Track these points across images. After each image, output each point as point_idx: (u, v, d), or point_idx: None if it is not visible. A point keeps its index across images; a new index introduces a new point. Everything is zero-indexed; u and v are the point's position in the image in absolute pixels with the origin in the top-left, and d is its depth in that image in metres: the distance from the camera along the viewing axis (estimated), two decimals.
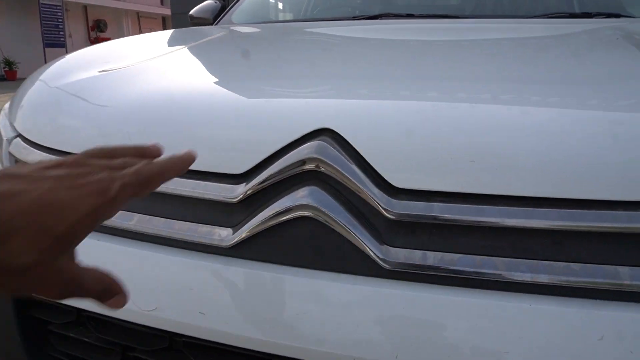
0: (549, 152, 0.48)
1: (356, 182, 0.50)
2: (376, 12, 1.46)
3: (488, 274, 0.46)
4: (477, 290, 0.46)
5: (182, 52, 0.98)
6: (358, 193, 0.51)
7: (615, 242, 0.46)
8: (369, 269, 0.49)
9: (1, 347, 0.64)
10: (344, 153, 0.52)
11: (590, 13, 1.35)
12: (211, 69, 0.82)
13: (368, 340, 0.47)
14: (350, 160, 0.51)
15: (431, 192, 0.50)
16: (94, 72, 0.82)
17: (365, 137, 0.53)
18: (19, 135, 0.74)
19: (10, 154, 0.72)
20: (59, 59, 1.01)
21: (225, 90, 0.69)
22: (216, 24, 1.83)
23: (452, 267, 0.47)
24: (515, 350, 0.44)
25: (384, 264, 0.49)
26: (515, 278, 0.46)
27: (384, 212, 0.50)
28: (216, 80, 0.74)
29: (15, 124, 0.77)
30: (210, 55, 0.98)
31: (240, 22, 1.72)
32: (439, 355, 0.45)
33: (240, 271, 0.53)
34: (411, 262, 0.48)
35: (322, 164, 0.52)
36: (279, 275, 0.51)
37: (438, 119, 0.54)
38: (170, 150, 0.58)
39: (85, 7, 20.11)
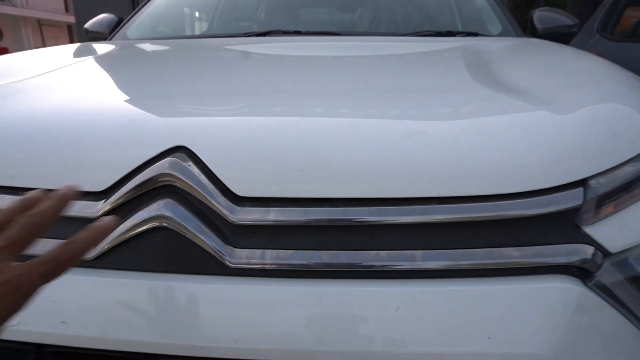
0: (368, 159, 0.58)
1: (204, 194, 0.57)
2: (265, 30, 1.55)
3: (314, 264, 0.55)
4: (306, 279, 0.55)
5: (59, 72, 0.99)
6: (207, 203, 0.58)
7: (410, 232, 0.57)
8: (217, 269, 0.56)
9: None
10: (195, 168, 0.58)
11: (453, 32, 1.54)
12: (81, 90, 0.85)
13: (214, 330, 0.54)
14: (200, 174, 0.58)
15: (269, 198, 0.58)
16: None
17: (213, 153, 0.59)
18: None
19: None
20: None
21: (91, 109, 0.72)
22: (110, 39, 1.82)
23: (285, 262, 0.55)
24: (334, 326, 0.53)
25: (229, 264, 0.56)
26: (336, 267, 0.55)
27: (228, 218, 0.57)
28: (84, 99, 0.77)
29: None
30: (85, 75, 1.00)
31: (134, 38, 1.73)
32: (272, 337, 0.53)
33: (102, 280, 0.58)
34: (252, 261, 0.56)
35: (175, 178, 0.58)
36: (137, 281, 0.57)
37: (275, 133, 0.62)
38: (36, 167, 0.61)
39: None
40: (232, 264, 0.56)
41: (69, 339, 0.56)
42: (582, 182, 0.58)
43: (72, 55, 1.26)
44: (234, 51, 1.30)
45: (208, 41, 1.49)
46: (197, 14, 2.07)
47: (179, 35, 1.73)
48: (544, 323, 0.53)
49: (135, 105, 0.73)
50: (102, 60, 1.18)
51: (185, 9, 1.99)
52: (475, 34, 1.52)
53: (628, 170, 0.62)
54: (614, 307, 0.56)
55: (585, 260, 0.56)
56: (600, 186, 0.59)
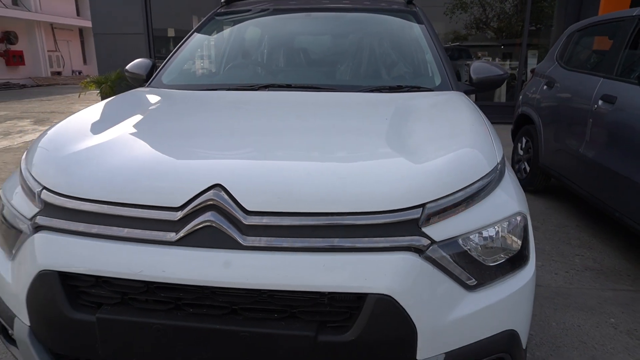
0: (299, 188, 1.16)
1: (230, 209, 1.14)
2: (266, 83, 2.13)
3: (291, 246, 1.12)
4: (284, 252, 1.12)
5: (136, 125, 1.57)
6: (232, 213, 1.14)
7: (320, 230, 1.14)
8: (237, 246, 1.13)
9: (52, 300, 1.20)
10: (225, 195, 1.16)
11: (402, 86, 2.10)
12: (153, 138, 1.44)
13: (239, 274, 1.10)
14: (228, 199, 1.15)
15: (264, 212, 1.15)
16: (84, 144, 1.40)
17: (234, 187, 1.16)
18: (44, 188, 1.29)
19: (42, 199, 1.27)
20: (54, 129, 1.57)
21: (167, 159, 1.30)
22: (149, 84, 2.40)
23: (274, 245, 1.12)
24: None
25: (243, 242, 1.13)
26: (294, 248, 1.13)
27: (243, 221, 1.14)
28: (162, 149, 1.35)
29: (38, 178, 1.32)
30: (153, 127, 1.58)
31: (167, 83, 2.32)
32: (262, 277, 1.10)
33: (181, 251, 1.14)
34: (255, 243, 1.13)
35: (216, 201, 1.15)
36: (199, 253, 1.13)
37: (264, 174, 1.19)
38: (142, 193, 1.18)
39: None
40: (244, 243, 1.13)
41: (164, 279, 1.13)
42: (422, 205, 1.15)
43: (129, 108, 1.84)
44: (243, 104, 1.88)
45: (225, 94, 2.05)
46: (213, 66, 2.65)
47: (201, 85, 2.29)
48: (395, 274, 1.09)
49: (192, 157, 1.30)
50: (157, 115, 1.75)
51: (203, 59, 2.56)
52: (418, 88, 2.09)
53: (453, 197, 1.19)
54: (435, 267, 1.13)
55: (419, 245, 1.13)
56: (433, 207, 1.16)
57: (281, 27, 2.60)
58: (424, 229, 1.15)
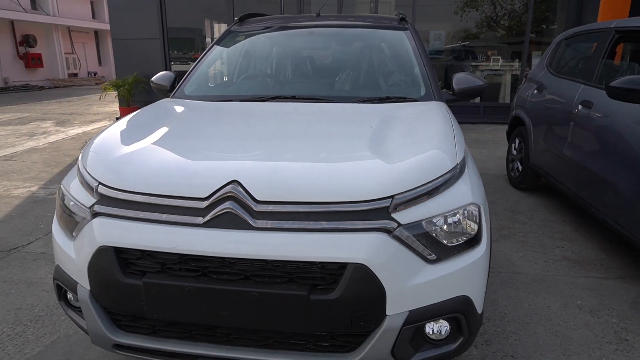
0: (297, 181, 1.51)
1: (244, 199, 1.50)
2: (273, 95, 2.49)
3: (284, 227, 1.47)
4: (282, 232, 1.47)
5: (167, 132, 1.94)
6: (246, 202, 1.50)
7: (311, 215, 1.49)
8: (250, 227, 1.48)
9: (109, 268, 1.56)
10: (240, 189, 1.51)
11: (390, 97, 2.45)
12: (182, 143, 1.81)
13: (250, 247, 1.45)
14: (243, 192, 1.50)
15: (269, 201, 1.50)
16: (128, 149, 1.77)
17: (247, 181, 1.52)
18: (100, 183, 1.66)
19: (99, 192, 1.64)
20: (101, 136, 1.95)
21: (195, 163, 1.66)
22: (174, 94, 2.77)
23: (278, 226, 1.47)
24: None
25: (254, 224, 1.48)
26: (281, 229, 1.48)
27: (254, 208, 1.49)
28: (189, 149, 1.72)
29: (94, 175, 1.69)
30: (181, 134, 1.94)
31: (190, 95, 2.69)
32: (259, 250, 1.45)
33: (208, 232, 1.50)
34: (263, 225, 1.48)
35: (233, 193, 1.51)
36: (222, 233, 1.48)
37: (269, 171, 1.54)
38: (174, 187, 1.54)
39: (12, 23, 19.74)
40: (255, 225, 1.48)
41: (197, 251, 1.48)
42: (392, 196, 1.50)
43: (160, 117, 2.21)
44: (254, 113, 2.24)
45: (238, 105, 2.41)
46: (227, 78, 3.01)
47: (217, 96, 2.65)
48: (369, 248, 1.43)
49: (214, 158, 1.66)
50: (183, 123, 2.11)
51: (219, 72, 2.93)
52: (404, 99, 2.43)
53: (417, 190, 1.53)
54: (401, 244, 1.47)
55: (389, 227, 1.47)
56: (400, 197, 1.50)
57: (287, 43, 2.96)
58: (392, 215, 1.49)
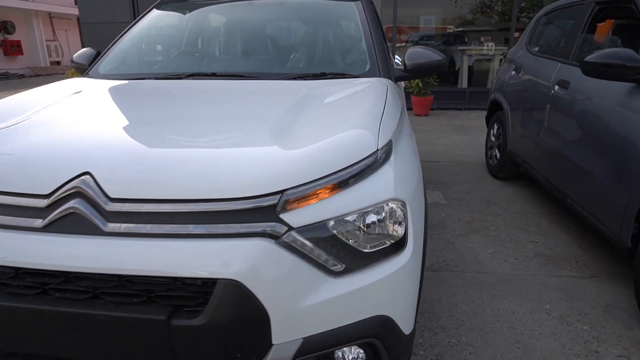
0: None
1: (93, 195, 1.16)
2: (192, 72, 2.14)
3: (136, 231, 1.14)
4: (131, 238, 1.14)
5: (32, 115, 1.59)
6: (94, 200, 1.16)
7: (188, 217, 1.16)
8: (97, 231, 1.15)
9: None
10: (91, 182, 1.17)
11: (325, 73, 2.10)
12: (39, 129, 1.45)
13: (85, 258, 1.12)
14: (95, 186, 1.17)
15: (131, 199, 1.16)
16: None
17: (100, 175, 1.18)
18: None
19: None
20: None
21: (42, 142, 1.32)
22: (86, 73, 2.41)
23: (130, 231, 1.14)
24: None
25: (104, 228, 1.15)
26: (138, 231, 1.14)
27: (105, 208, 1.16)
28: (41, 136, 1.37)
29: None
30: (48, 117, 1.59)
31: (105, 74, 2.33)
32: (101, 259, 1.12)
33: (46, 238, 1.17)
34: (116, 230, 1.15)
35: (81, 188, 1.17)
36: (61, 239, 1.16)
37: (126, 164, 1.20)
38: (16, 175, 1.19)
39: None
40: (105, 229, 1.15)
41: (32, 265, 1.15)
42: (280, 192, 1.16)
43: (42, 98, 1.85)
44: (152, 93, 1.87)
45: (142, 84, 2.05)
46: (148, 56, 2.64)
47: (132, 74, 2.28)
48: (246, 260, 1.11)
49: (66, 145, 1.32)
50: (60, 106, 1.74)
51: (141, 50, 2.56)
52: (343, 75, 2.09)
53: (316, 183, 1.20)
54: (291, 253, 1.14)
55: (274, 231, 1.14)
56: (292, 193, 1.17)
57: (219, 16, 2.60)
58: (281, 216, 1.16)
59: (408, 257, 1.30)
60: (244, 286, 1.09)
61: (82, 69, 2.54)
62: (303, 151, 1.25)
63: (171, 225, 1.14)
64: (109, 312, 1.12)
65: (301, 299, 1.15)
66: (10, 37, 20.11)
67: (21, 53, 20.55)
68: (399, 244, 1.30)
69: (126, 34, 2.60)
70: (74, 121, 1.51)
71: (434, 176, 4.65)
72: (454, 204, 3.88)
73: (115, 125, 1.45)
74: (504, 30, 9.18)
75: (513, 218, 3.58)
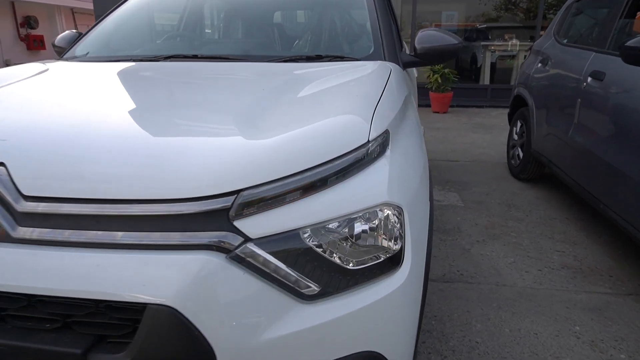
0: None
1: (3, 189, 0.92)
2: (171, 54, 1.89)
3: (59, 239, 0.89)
4: (50, 248, 0.89)
5: None
6: (5, 196, 0.92)
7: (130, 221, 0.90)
8: (5, 236, 0.91)
9: None
10: (4, 176, 0.93)
11: (322, 56, 1.83)
12: None
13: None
14: (7, 180, 0.93)
15: (48, 197, 0.92)
16: None
17: (17, 163, 0.94)
18: None
19: None
20: None
21: None
22: (62, 56, 2.19)
23: (46, 237, 0.89)
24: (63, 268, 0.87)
25: (14, 233, 0.90)
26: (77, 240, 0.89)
27: (15, 207, 0.91)
28: None
29: None
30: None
31: (81, 56, 2.10)
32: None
33: None
34: (27, 236, 0.90)
35: None
36: None
37: (41, 159, 0.95)
38: None
39: (12, 3, 19.29)
40: (14, 235, 0.90)
41: None
42: (236, 192, 0.90)
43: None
44: (117, 76, 1.61)
45: (112, 67, 1.79)
46: (129, 40, 2.39)
47: (108, 57, 2.05)
48: (184, 279, 0.85)
49: None
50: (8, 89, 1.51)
51: (121, 31, 2.33)
52: (341, 58, 1.81)
53: (282, 182, 0.93)
54: (247, 271, 0.88)
55: (225, 242, 0.88)
56: (252, 194, 0.90)
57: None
58: (235, 222, 0.89)
59: (404, 277, 1.03)
60: (180, 314, 0.83)
61: (62, 53, 2.33)
62: (271, 142, 0.98)
63: (95, 232, 0.89)
64: (10, 341, 0.87)
65: (260, 332, 0.88)
66: (33, 32, 20.34)
67: (44, 48, 20.77)
68: (394, 260, 1.02)
69: (110, 15, 2.37)
70: (8, 106, 1.27)
71: (451, 176, 4.33)
72: (471, 206, 3.56)
73: (49, 111, 1.19)
74: (529, 28, 8.76)
75: (536, 224, 3.25)
